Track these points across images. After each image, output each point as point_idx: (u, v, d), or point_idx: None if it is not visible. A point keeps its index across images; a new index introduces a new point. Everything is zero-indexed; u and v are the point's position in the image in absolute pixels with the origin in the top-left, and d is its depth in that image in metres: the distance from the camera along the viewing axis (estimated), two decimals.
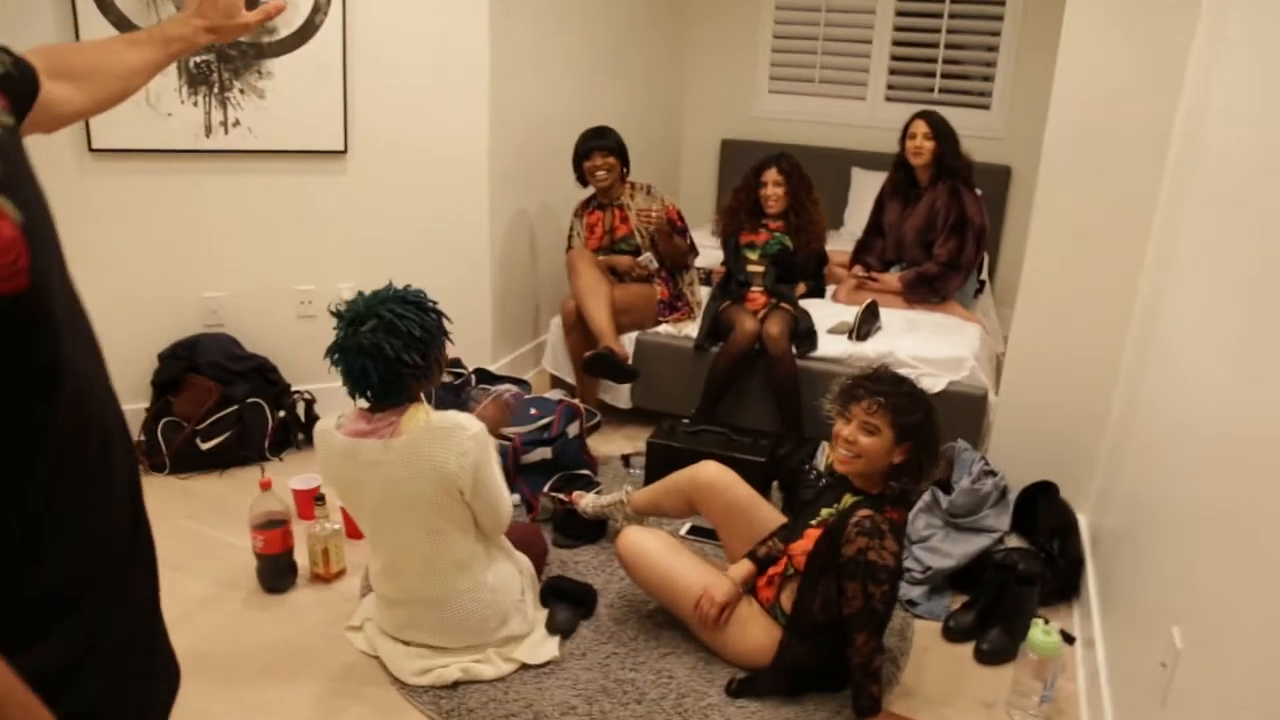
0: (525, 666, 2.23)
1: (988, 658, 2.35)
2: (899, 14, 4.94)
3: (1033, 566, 2.49)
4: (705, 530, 2.79)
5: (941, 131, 3.66)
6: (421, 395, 2.12)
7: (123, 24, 2.87)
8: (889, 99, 5.07)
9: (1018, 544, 2.66)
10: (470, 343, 3.53)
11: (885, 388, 2.06)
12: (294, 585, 2.56)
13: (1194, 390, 1.81)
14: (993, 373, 3.45)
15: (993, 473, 2.74)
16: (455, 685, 2.17)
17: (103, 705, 1.02)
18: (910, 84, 5.03)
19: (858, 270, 3.88)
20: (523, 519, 2.81)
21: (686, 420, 3.23)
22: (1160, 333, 2.26)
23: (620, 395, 3.63)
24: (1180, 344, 2.01)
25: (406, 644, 2.25)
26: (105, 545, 1.05)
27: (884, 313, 3.55)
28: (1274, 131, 1.57)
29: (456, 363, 3.31)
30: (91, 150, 2.98)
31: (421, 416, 2.04)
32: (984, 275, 4.08)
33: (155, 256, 3.19)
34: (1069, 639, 2.40)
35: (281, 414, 3.30)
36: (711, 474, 2.41)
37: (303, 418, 3.36)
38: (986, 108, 4.89)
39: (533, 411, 3.03)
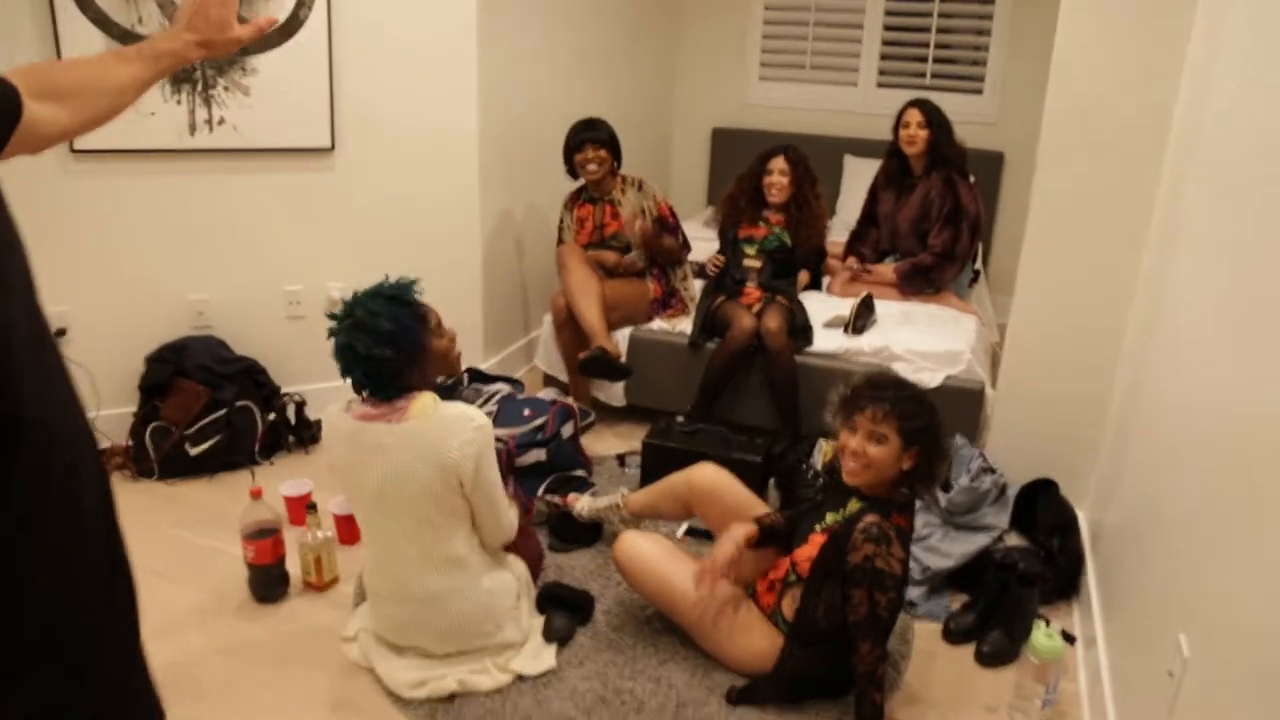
0: (522, 677, 2.20)
1: (989, 660, 2.33)
2: None
3: (1033, 566, 2.48)
4: (702, 531, 2.76)
5: (935, 120, 3.62)
6: (427, 386, 2.11)
7: (101, 21, 2.81)
8: (881, 85, 5.02)
9: (1017, 542, 2.64)
10: (461, 342, 3.48)
11: (889, 394, 2.02)
12: (286, 595, 2.53)
13: (1198, 382, 1.78)
14: (989, 365, 3.43)
15: (991, 470, 2.72)
16: (452, 698, 2.14)
17: None
18: (902, 69, 4.99)
19: (852, 262, 3.85)
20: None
21: (682, 418, 3.19)
22: (1163, 323, 2.23)
23: (614, 393, 3.59)
24: (1184, 334, 1.98)
25: (401, 653, 2.23)
26: (80, 590, 1.02)
27: (879, 305, 3.52)
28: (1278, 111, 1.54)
29: None
30: (73, 151, 2.92)
31: (430, 404, 2.04)
32: (978, 264, 4.06)
33: (140, 258, 3.14)
34: (1070, 639, 2.39)
35: (271, 417, 3.25)
36: (708, 477, 2.38)
37: (293, 420, 3.32)
38: (979, 92, 4.85)
39: (526, 413, 2.99)
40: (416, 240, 3.49)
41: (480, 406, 2.97)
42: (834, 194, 4.96)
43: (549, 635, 2.30)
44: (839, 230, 4.38)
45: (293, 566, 2.56)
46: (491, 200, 3.66)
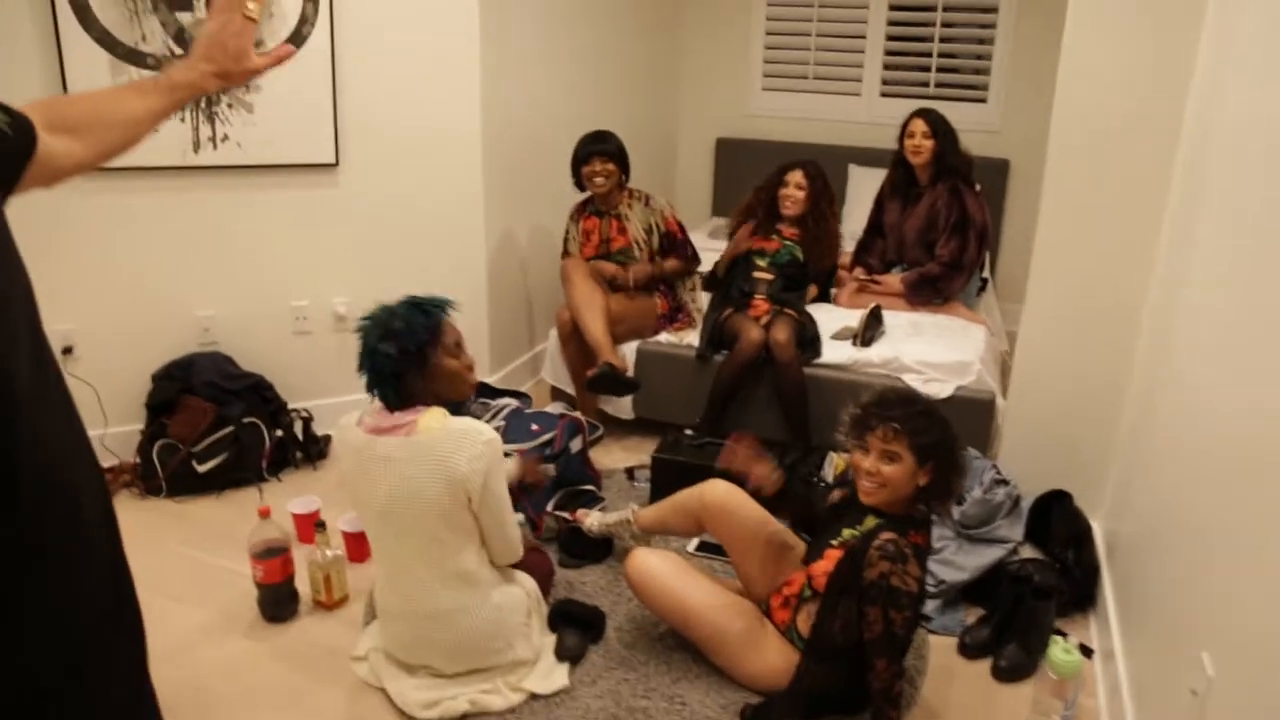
0: (534, 696, 2.18)
1: (1006, 675, 2.31)
2: (892, 8, 4.89)
3: (1048, 578, 2.46)
4: (714, 546, 2.74)
5: (940, 129, 3.62)
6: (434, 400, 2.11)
7: (105, 40, 2.80)
8: (884, 94, 5.02)
9: (1032, 554, 2.62)
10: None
11: (898, 411, 2.00)
12: (296, 614, 2.51)
13: (1216, 389, 1.76)
14: (999, 374, 3.41)
15: (1004, 481, 2.70)
16: (464, 718, 2.12)
17: None
18: (905, 79, 4.99)
19: (859, 273, 3.84)
20: (526, 538, 2.76)
21: (690, 431, 3.18)
22: (1177, 329, 2.21)
23: (622, 406, 3.58)
24: (1200, 339, 1.96)
25: (412, 672, 2.21)
26: (84, 629, 1.01)
27: (887, 315, 3.51)
28: None
29: None
30: None
31: (439, 419, 2.04)
32: (986, 274, 4.04)
33: (146, 275, 3.13)
34: (1088, 652, 2.37)
35: (279, 433, 3.24)
36: (720, 494, 2.36)
37: (300, 436, 3.31)
38: (983, 101, 4.85)
39: (534, 428, 2.98)
40: (421, 254, 3.48)
41: (488, 421, 2.96)
42: (839, 204, 4.94)
43: (561, 654, 2.29)
44: (845, 240, 4.37)
45: (302, 585, 2.55)
46: (496, 214, 3.65)
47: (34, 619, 0.95)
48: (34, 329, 0.99)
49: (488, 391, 3.33)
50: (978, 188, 3.70)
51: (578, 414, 3.29)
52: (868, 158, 4.80)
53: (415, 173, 3.40)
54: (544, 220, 4.04)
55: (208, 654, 2.35)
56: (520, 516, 2.83)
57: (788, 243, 3.59)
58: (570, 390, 3.65)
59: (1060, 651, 2.07)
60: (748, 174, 3.73)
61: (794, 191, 3.54)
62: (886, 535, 1.94)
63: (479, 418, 2.82)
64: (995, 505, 2.62)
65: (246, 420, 3.14)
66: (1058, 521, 2.68)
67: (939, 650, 2.41)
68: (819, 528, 2.24)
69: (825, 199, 3.59)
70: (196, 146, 3.04)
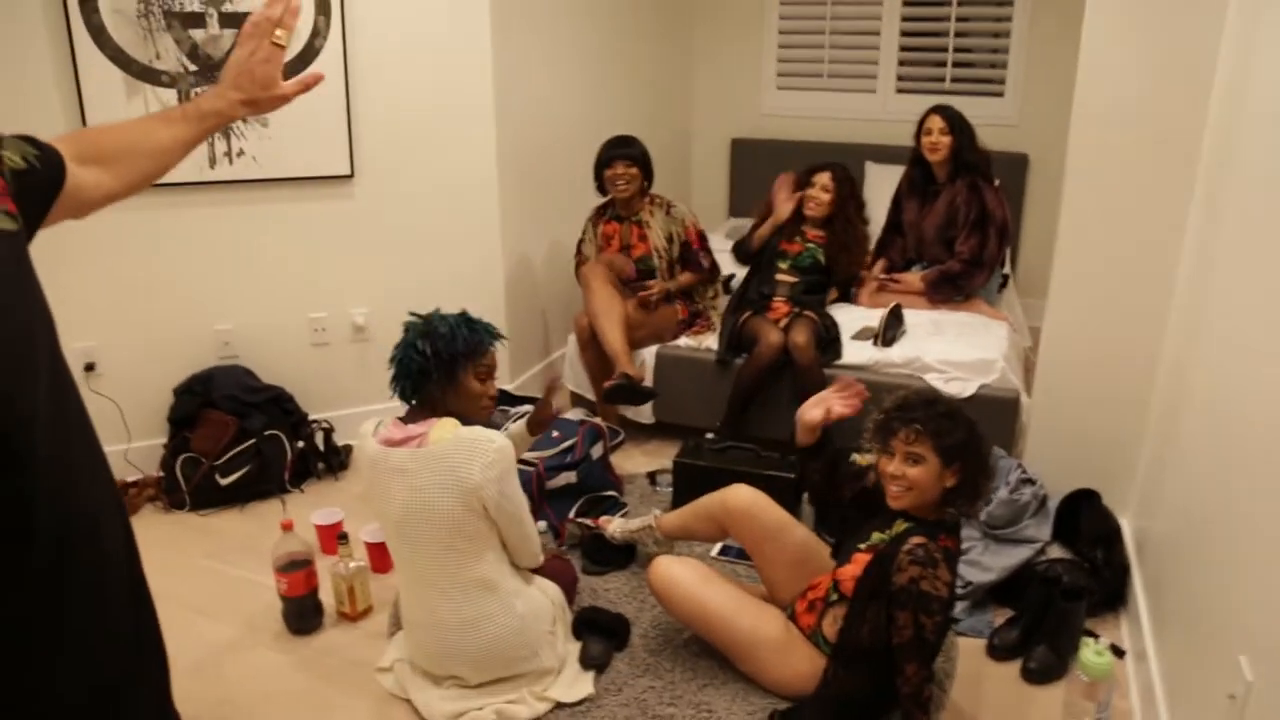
0: (560, 705, 2.17)
1: (1035, 677, 2.27)
2: (906, 3, 4.84)
3: (1077, 578, 2.42)
4: (737, 549, 2.73)
5: (957, 125, 3.58)
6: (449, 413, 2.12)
7: (119, 58, 2.82)
8: (900, 90, 4.97)
9: (1060, 554, 2.58)
10: None
11: (920, 413, 1.98)
12: (321, 626, 2.51)
13: (1245, 385, 1.73)
14: (1022, 371, 3.37)
15: (1031, 481, 2.66)
16: None
17: None
18: (921, 74, 4.94)
19: (879, 270, 3.80)
20: (550, 546, 2.76)
21: (711, 435, 3.16)
22: (1206, 322, 2.17)
23: (642, 411, 3.56)
24: (1229, 335, 1.92)
25: (438, 683, 2.20)
26: (107, 656, 1.01)
27: (908, 314, 3.47)
28: None
29: None
30: None
31: (450, 430, 2.04)
32: (1006, 269, 4.00)
33: (165, 291, 3.15)
34: (1119, 652, 2.34)
35: (300, 444, 3.25)
36: (743, 500, 2.34)
37: (321, 447, 3.31)
38: (1000, 95, 4.79)
39: (554, 434, 2.97)
40: (439, 263, 3.48)
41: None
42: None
43: (586, 663, 2.27)
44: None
45: (326, 596, 2.55)
46: (512, 221, 3.64)
47: (58, 647, 0.95)
48: (55, 358, 1.00)
49: (507, 399, 3.33)
50: (997, 183, 3.66)
51: (598, 420, 3.29)
52: (885, 155, 4.76)
53: (431, 182, 3.40)
54: (559, 226, 4.03)
55: (233, 667, 2.35)
56: (543, 524, 2.83)
57: (810, 245, 3.56)
58: (590, 396, 3.64)
59: (1092, 653, 2.04)
60: (764, 174, 3.70)
61: (820, 194, 3.51)
62: (916, 540, 1.91)
63: (499, 426, 2.82)
64: (1022, 505, 2.59)
65: (268, 433, 3.15)
66: (1086, 520, 2.64)
67: (968, 652, 2.38)
68: (844, 526, 2.21)
69: (853, 204, 3.56)
70: (213, 162, 3.05)
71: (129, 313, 3.11)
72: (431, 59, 3.28)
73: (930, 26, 4.85)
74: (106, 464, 1.10)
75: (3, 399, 0.88)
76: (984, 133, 3.67)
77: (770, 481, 2.74)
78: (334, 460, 3.33)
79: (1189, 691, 1.85)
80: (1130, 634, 2.41)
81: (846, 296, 3.75)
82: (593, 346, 3.46)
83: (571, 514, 2.87)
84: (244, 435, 3.11)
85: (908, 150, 3.77)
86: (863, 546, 2.08)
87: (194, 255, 3.16)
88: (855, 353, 3.29)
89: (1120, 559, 2.55)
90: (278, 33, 1.29)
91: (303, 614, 2.48)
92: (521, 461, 2.82)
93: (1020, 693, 2.26)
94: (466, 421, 2.10)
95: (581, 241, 3.64)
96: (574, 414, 3.36)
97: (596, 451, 3.04)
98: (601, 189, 3.52)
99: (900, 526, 2.04)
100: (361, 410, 3.39)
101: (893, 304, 3.41)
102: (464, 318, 2.14)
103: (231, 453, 3.08)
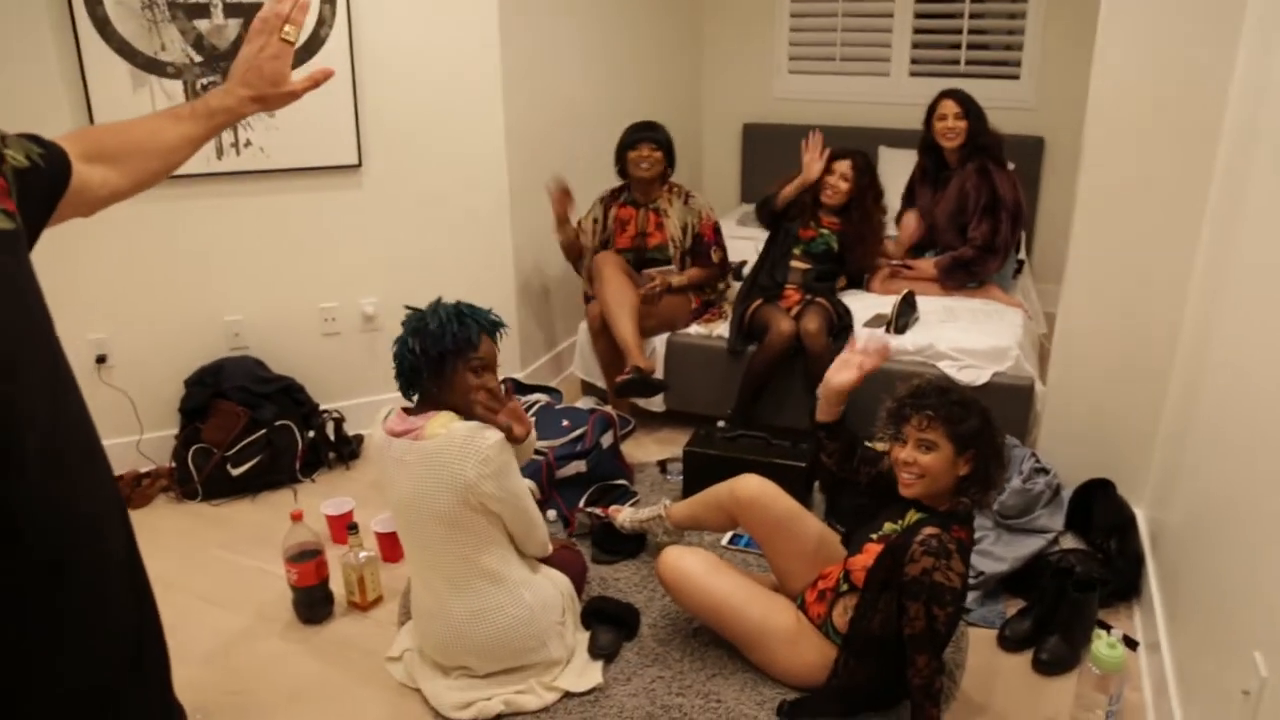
0: (569, 695, 2.17)
1: (1047, 668, 2.25)
2: None
3: (1090, 569, 2.40)
4: (747, 539, 2.71)
5: (972, 109, 3.53)
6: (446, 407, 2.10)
7: (124, 50, 2.82)
8: (914, 74, 4.91)
9: (1074, 544, 2.55)
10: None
11: (932, 400, 1.96)
12: (331, 615, 2.52)
13: (1265, 374, 1.69)
14: (1037, 359, 3.33)
15: (1044, 470, 2.64)
16: (498, 718, 2.12)
17: None
18: (935, 57, 4.88)
19: (892, 254, 3.76)
20: (559, 535, 2.75)
21: (722, 423, 3.14)
22: (1224, 312, 2.13)
23: (653, 400, 3.55)
24: (1248, 323, 1.88)
25: (447, 673, 2.21)
26: (105, 657, 1.02)
27: (921, 301, 3.44)
28: None
29: None
30: None
31: (444, 425, 2.04)
32: (1022, 255, 3.95)
33: (175, 282, 3.16)
34: (1132, 644, 2.31)
35: (311, 434, 3.26)
36: (753, 489, 2.32)
37: (332, 437, 3.32)
38: (1015, 77, 4.73)
39: (564, 423, 2.96)
40: (449, 252, 3.47)
41: None
42: None
43: (595, 652, 2.27)
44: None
45: (336, 586, 2.56)
46: (522, 207, 3.62)
47: (58, 647, 0.95)
48: (55, 357, 0.99)
49: (518, 388, 3.32)
50: (1010, 166, 3.61)
51: (608, 408, 3.28)
52: (898, 139, 4.70)
53: (439, 170, 3.39)
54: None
55: (244, 656, 2.37)
56: (553, 513, 2.83)
57: (824, 231, 3.52)
58: (601, 384, 3.63)
59: (1104, 646, 2.01)
60: (776, 159, 3.66)
61: (838, 181, 3.46)
62: (929, 530, 1.90)
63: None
64: (1035, 495, 2.57)
65: (279, 423, 3.16)
66: (1100, 510, 2.61)
67: (979, 642, 2.36)
68: (856, 516, 2.20)
69: (871, 194, 3.50)
70: (220, 153, 3.05)
71: (139, 305, 3.12)
72: (439, 46, 3.26)
73: (945, 8, 4.78)
74: (107, 463, 1.10)
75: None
76: (1000, 116, 3.61)
77: (781, 470, 2.73)
78: (345, 450, 3.34)
79: (1202, 685, 1.83)
80: (1143, 625, 2.38)
81: (858, 283, 3.72)
82: (604, 336, 3.44)
83: (581, 503, 2.87)
84: (255, 425, 3.11)
85: (920, 139, 3.71)
86: (875, 536, 2.07)
87: (203, 247, 3.16)
88: (867, 340, 3.25)
89: (1134, 549, 2.52)
90: (286, 29, 1.28)
91: (313, 604, 2.49)
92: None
93: (1031, 684, 2.24)
94: (466, 416, 2.09)
95: (581, 219, 3.60)
96: (584, 403, 3.35)
97: (607, 440, 3.03)
98: (622, 171, 3.49)
99: (913, 517, 2.02)
100: (372, 400, 3.40)
101: (905, 291, 3.38)
102: (457, 311, 2.08)
103: (243, 443, 3.09)
